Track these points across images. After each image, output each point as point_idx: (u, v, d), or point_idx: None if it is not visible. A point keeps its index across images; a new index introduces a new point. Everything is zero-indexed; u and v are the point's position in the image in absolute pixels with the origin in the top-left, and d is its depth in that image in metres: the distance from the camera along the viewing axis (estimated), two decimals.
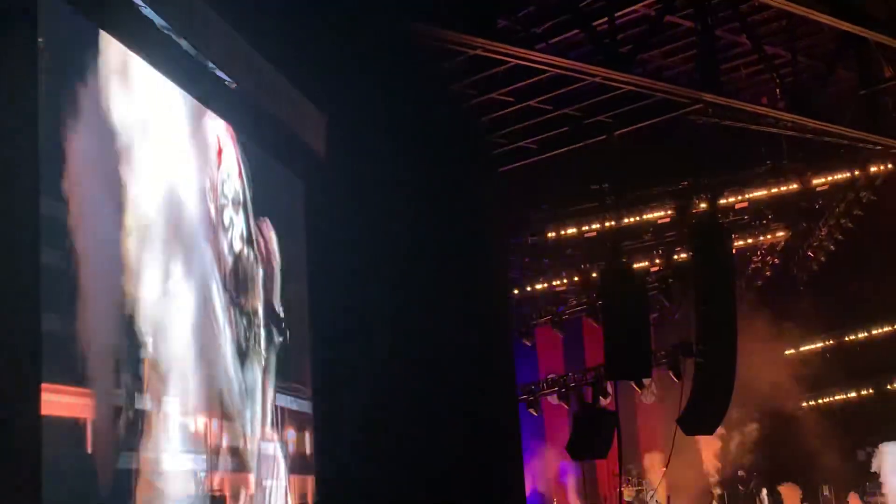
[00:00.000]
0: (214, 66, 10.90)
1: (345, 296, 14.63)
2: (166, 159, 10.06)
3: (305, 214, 14.41)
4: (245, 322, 12.15)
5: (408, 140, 15.26)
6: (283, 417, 13.43)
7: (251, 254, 12.47)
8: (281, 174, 13.79)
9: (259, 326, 12.63)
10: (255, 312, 12.55)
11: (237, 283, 11.96)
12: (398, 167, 15.12)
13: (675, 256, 24.05)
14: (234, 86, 11.24)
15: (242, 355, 12.03)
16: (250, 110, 12.21)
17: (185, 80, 10.55)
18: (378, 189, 14.91)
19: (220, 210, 11.45)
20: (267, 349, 12.86)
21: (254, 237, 12.51)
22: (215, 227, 11.27)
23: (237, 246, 11.90)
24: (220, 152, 11.57)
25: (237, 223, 11.95)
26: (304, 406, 14.19)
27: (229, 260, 11.67)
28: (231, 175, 11.92)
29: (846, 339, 27.48)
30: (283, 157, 13.69)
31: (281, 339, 13.42)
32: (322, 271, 14.55)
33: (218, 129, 11.63)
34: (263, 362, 12.76)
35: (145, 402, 9.07)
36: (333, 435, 14.78)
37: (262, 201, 12.77)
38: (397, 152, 14.89)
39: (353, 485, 14.82)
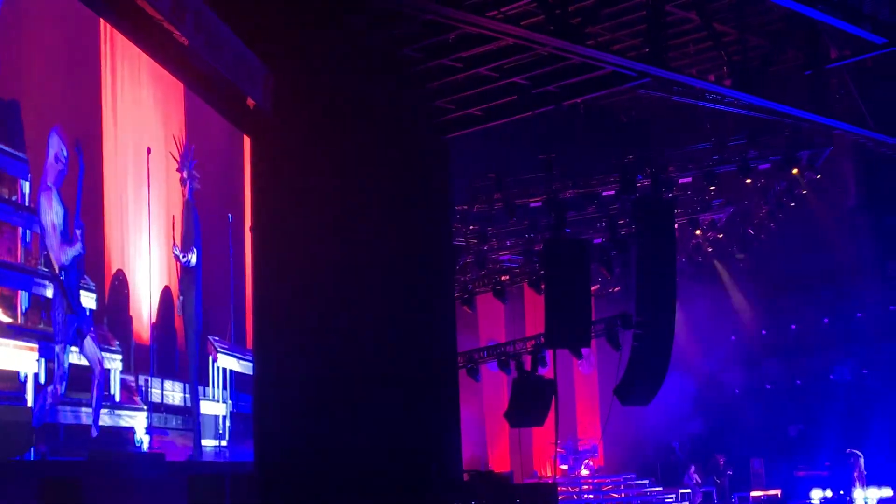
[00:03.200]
0: (162, 19, 10.76)
1: (287, 254, 14.59)
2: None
3: (251, 170, 14.31)
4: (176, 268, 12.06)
5: (354, 103, 15.20)
6: (226, 378, 13.39)
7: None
8: (225, 129, 13.69)
9: (193, 275, 12.52)
10: (190, 262, 12.42)
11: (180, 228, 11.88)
12: (344, 129, 15.07)
13: (619, 229, 24.21)
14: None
15: (182, 309, 11.97)
16: (197, 64, 12.08)
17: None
18: (323, 150, 14.85)
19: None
20: (198, 304, 12.78)
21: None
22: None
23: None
24: None
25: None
26: (247, 368, 14.15)
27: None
28: None
29: (784, 315, 27.96)
30: (228, 113, 13.59)
31: (214, 295, 13.36)
32: (265, 228, 14.47)
33: None
34: (199, 319, 12.70)
35: (85, 358, 8.99)
36: (273, 396, 14.77)
37: (204, 154, 12.69)
38: (343, 114, 14.83)
39: (293, 444, 14.83)
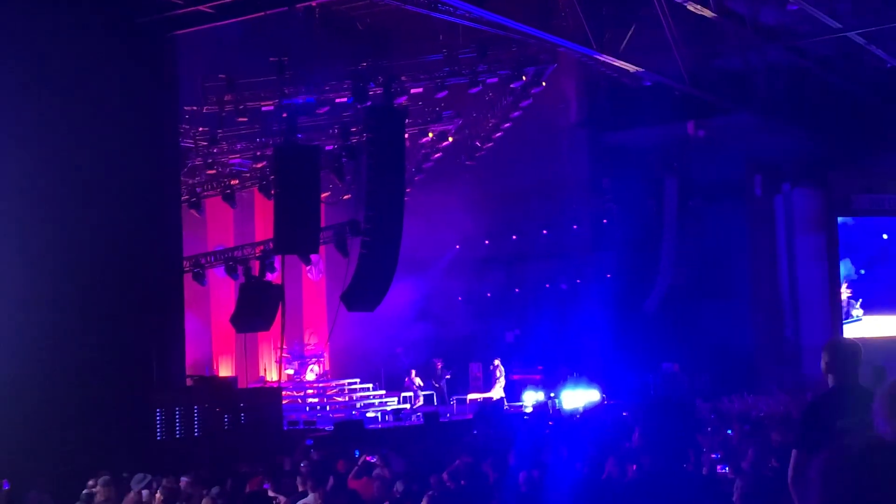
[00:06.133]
0: None
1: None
2: None
3: None
4: None
5: None
6: None
7: None
8: None
9: None
10: None
11: None
12: (52, 15, 14.30)
13: (351, 137, 24.25)
14: None
15: None
16: None
17: None
18: (29, 36, 14.06)
19: None
20: None
21: None
22: None
23: None
24: None
25: None
26: None
27: None
28: None
29: (505, 225, 28.96)
30: None
31: None
32: None
33: None
34: None
35: None
36: None
37: None
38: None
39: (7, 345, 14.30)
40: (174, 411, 16.83)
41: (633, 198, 27.79)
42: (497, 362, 26.27)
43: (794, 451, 5.97)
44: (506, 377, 26.18)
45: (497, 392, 25.81)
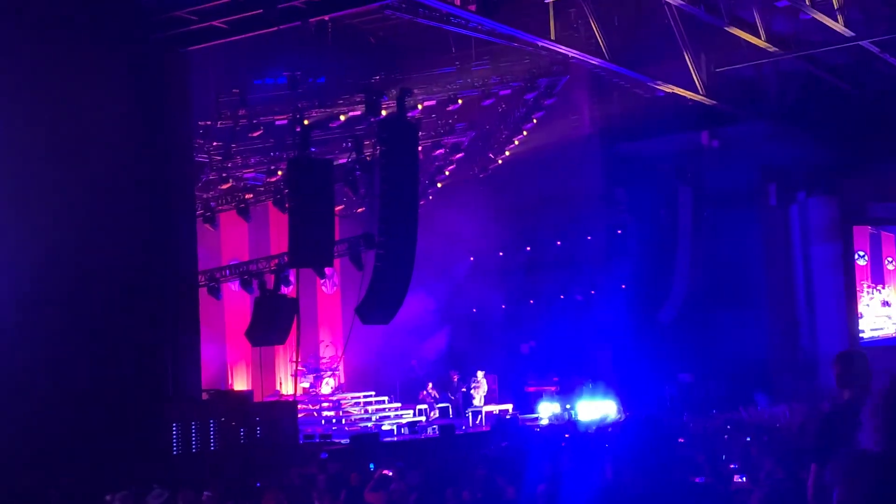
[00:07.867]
0: None
1: (9, 178, 13.94)
2: None
3: None
4: None
5: (78, 6, 14.52)
6: None
7: None
8: None
9: None
10: None
11: None
12: (69, 35, 14.37)
13: (364, 150, 24.27)
14: None
15: None
16: None
17: None
18: (43, 58, 14.13)
19: None
20: None
21: None
22: None
23: None
24: None
25: None
26: None
27: None
28: None
29: (519, 237, 28.93)
30: None
31: None
32: None
33: None
34: None
35: None
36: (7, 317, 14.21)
37: None
38: (67, 19, 14.14)
39: (25, 358, 14.35)
40: (190, 425, 16.84)
41: (648, 208, 27.73)
42: (480, 375, 26.26)
43: (812, 466, 5.95)
44: (486, 391, 26.23)
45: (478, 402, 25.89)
